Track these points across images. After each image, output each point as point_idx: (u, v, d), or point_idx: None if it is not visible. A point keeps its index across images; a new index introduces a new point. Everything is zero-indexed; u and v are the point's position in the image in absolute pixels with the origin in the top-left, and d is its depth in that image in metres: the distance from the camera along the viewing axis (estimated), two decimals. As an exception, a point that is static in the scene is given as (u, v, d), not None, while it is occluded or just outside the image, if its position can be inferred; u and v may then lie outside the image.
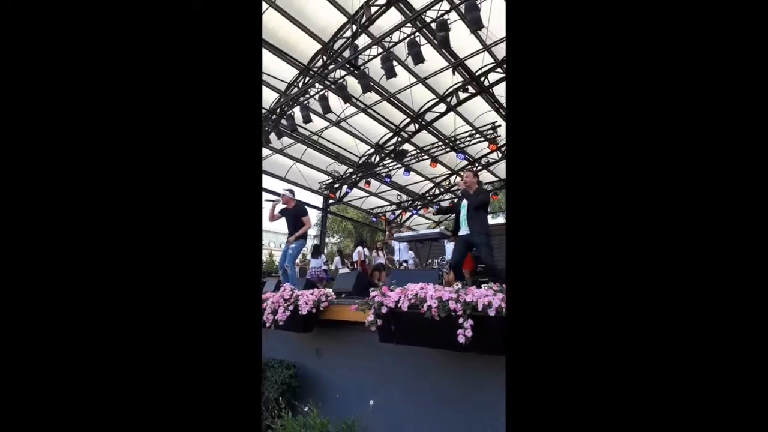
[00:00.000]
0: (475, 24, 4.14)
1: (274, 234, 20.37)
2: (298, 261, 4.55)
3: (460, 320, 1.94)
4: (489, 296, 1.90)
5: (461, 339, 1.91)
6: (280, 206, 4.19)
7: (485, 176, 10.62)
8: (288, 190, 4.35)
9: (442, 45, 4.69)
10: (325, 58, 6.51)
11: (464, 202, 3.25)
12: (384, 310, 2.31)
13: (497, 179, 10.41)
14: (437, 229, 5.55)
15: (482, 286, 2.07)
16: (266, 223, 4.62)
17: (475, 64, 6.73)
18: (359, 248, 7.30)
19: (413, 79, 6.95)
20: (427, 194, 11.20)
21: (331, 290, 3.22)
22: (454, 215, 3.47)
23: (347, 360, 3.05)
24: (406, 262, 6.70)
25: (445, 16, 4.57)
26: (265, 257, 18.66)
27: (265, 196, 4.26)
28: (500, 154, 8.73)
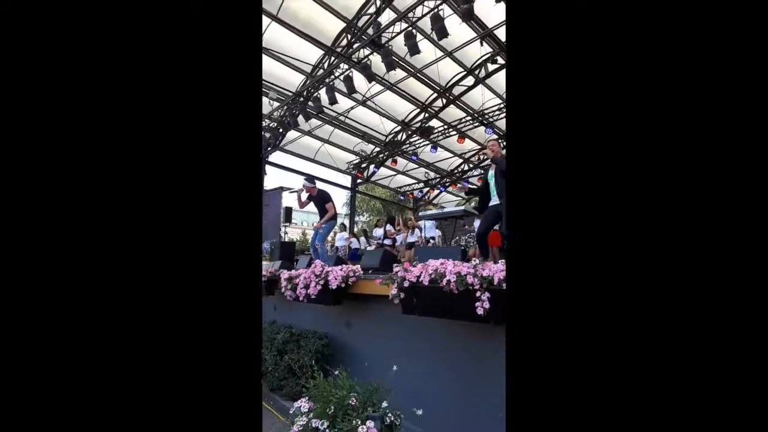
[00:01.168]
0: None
1: (307, 214, 21.04)
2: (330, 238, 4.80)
3: (478, 293, 2.03)
4: (505, 271, 1.97)
5: (480, 311, 2.00)
6: (305, 194, 4.46)
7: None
8: (306, 179, 4.56)
9: (466, 17, 4.54)
10: (349, 36, 6.49)
11: (491, 172, 3.18)
12: (406, 284, 2.44)
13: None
14: (462, 207, 5.55)
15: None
16: (300, 207, 4.95)
17: (503, 34, 6.45)
18: (388, 227, 7.45)
19: (440, 53, 6.78)
20: (456, 171, 11.06)
21: (359, 266, 3.40)
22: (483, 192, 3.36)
23: (374, 331, 3.25)
24: (433, 239, 6.78)
25: (470, -14, 4.40)
26: (299, 236, 19.41)
27: (302, 178, 4.62)
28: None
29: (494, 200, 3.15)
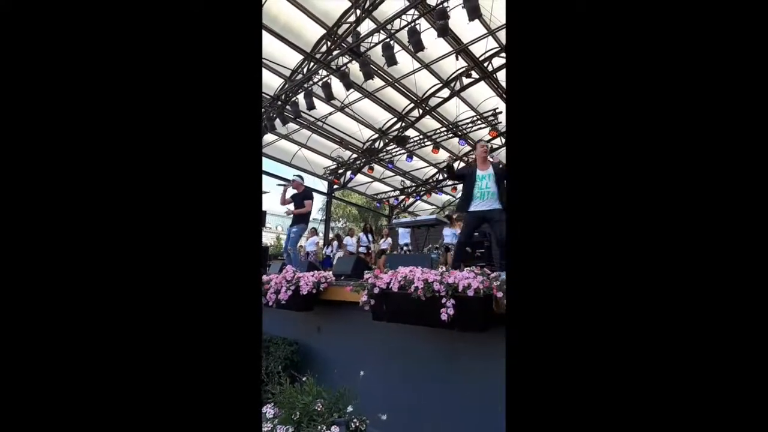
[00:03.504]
0: (473, 12, 4.15)
1: (282, 218, 20.71)
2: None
3: (443, 300, 2.10)
4: (469, 278, 2.06)
5: (443, 317, 2.08)
6: (291, 191, 4.41)
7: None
8: (298, 175, 4.55)
9: (441, 33, 4.71)
10: (329, 43, 6.54)
11: (482, 173, 2.92)
12: (376, 291, 2.49)
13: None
14: (434, 216, 5.68)
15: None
16: (278, 207, 4.87)
17: (478, 50, 6.71)
18: (360, 235, 7.48)
19: (417, 65, 6.96)
20: (431, 180, 11.28)
21: (330, 273, 3.42)
22: (463, 187, 3.05)
23: (344, 337, 3.27)
24: (407, 245, 6.88)
25: (445, 4, 4.58)
26: (273, 241, 19.02)
27: (277, 181, 4.49)
28: (502, 140, 8.73)
29: (478, 204, 2.92)
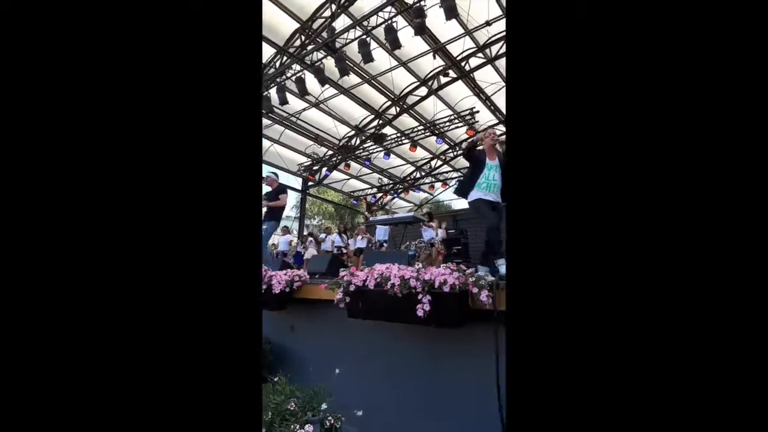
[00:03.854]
0: (450, 12, 4.18)
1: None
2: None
3: (419, 296, 2.10)
4: (445, 275, 2.06)
5: (420, 313, 2.07)
6: (265, 188, 4.31)
7: (462, 162, 10.83)
8: (272, 172, 4.46)
9: (418, 31, 4.72)
10: (303, 38, 6.41)
11: (491, 164, 2.77)
12: (352, 288, 2.46)
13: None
14: (411, 213, 5.71)
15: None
16: None
17: (456, 49, 6.78)
18: (335, 236, 7.41)
19: (394, 62, 6.95)
20: (408, 178, 11.33)
21: (303, 271, 3.35)
22: (469, 171, 2.90)
23: (319, 335, 3.22)
24: (385, 242, 6.88)
25: (422, 2, 4.59)
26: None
27: None
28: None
29: (483, 194, 2.74)
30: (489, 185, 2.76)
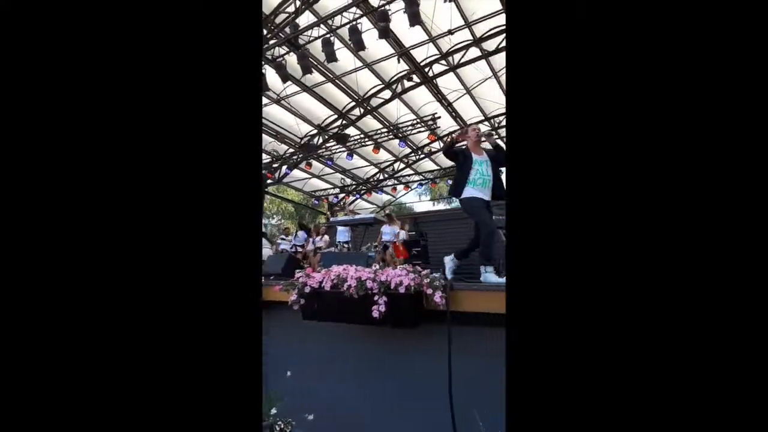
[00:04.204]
0: (413, 18, 4.26)
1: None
2: None
3: (376, 297, 2.11)
4: (401, 276, 2.09)
5: (375, 314, 2.08)
6: None
7: (428, 165, 11.06)
8: None
9: (383, 35, 4.76)
10: (264, 32, 6.22)
11: (479, 159, 2.71)
12: (307, 290, 2.42)
13: (438, 168, 10.91)
14: (372, 215, 5.71)
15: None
16: None
17: (420, 54, 6.90)
18: (300, 232, 7.22)
19: (359, 63, 6.93)
20: (372, 179, 11.35)
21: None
22: (458, 170, 2.79)
23: (272, 338, 3.12)
24: (347, 243, 6.81)
25: (387, 6, 4.63)
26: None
27: None
28: (441, 144, 9.10)
29: (478, 191, 2.65)
30: (484, 181, 2.68)
